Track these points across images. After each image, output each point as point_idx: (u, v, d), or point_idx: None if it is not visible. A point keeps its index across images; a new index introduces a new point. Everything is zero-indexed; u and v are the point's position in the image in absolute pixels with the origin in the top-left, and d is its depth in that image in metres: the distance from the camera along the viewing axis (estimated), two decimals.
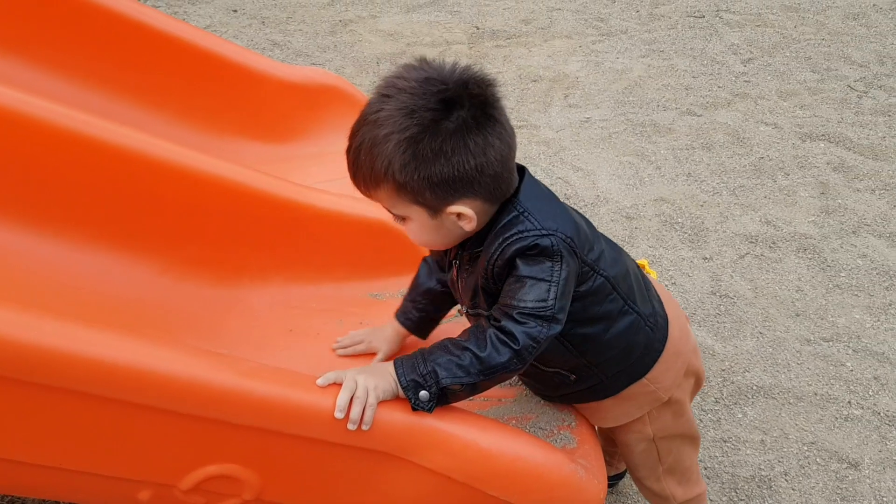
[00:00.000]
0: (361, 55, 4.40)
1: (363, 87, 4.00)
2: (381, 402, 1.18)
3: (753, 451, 2.07)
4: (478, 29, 4.74)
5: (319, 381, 1.18)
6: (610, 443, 1.78)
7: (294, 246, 1.78)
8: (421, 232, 1.23)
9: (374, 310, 1.83)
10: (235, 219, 1.72)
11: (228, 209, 1.70)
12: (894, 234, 2.85)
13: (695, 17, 4.82)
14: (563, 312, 1.18)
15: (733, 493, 1.96)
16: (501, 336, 1.16)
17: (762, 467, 2.03)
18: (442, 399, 1.19)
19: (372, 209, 1.85)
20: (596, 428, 1.54)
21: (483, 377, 1.17)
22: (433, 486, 1.26)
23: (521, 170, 1.26)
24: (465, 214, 1.17)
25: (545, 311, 1.15)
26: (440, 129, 1.10)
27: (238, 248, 1.75)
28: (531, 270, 1.16)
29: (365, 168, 1.15)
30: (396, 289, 1.90)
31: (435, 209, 1.17)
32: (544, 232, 1.16)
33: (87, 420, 1.09)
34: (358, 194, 1.98)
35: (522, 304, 1.15)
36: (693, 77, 4.10)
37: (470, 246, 1.27)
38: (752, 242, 2.84)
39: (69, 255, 1.64)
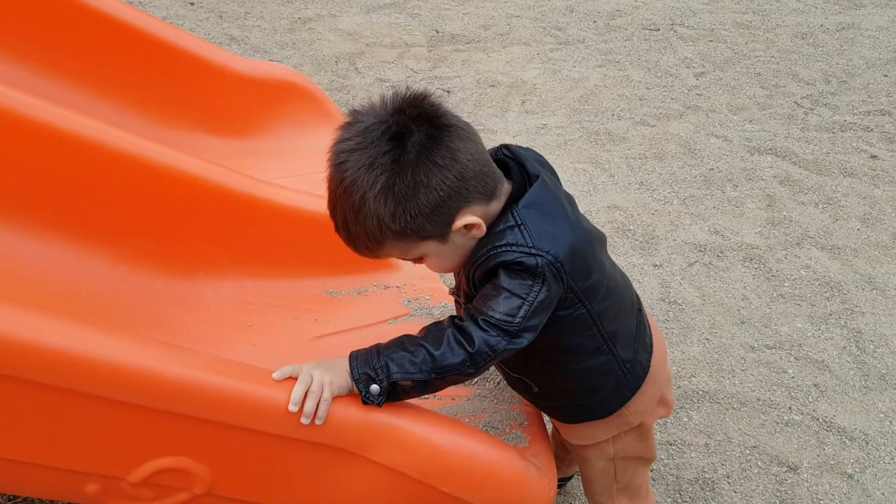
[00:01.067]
0: (320, 54, 4.38)
1: (321, 86, 3.98)
2: (335, 398, 1.18)
3: (698, 455, 2.12)
4: (437, 32, 4.76)
5: (275, 375, 1.18)
6: (562, 449, 1.79)
7: (250, 241, 1.77)
8: (441, 262, 1.22)
9: (329, 307, 1.83)
10: (191, 211, 1.70)
11: (184, 201, 1.68)
12: (836, 246, 2.95)
13: (650, 30, 4.91)
14: (529, 332, 1.16)
15: (677, 495, 2.01)
16: (459, 337, 1.16)
17: (706, 470, 2.08)
18: (392, 395, 1.19)
19: None
20: (549, 431, 1.56)
21: (434, 375, 1.16)
22: (387, 483, 1.26)
23: (529, 173, 1.23)
24: (472, 224, 1.15)
25: (510, 327, 1.14)
26: (405, 164, 1.08)
27: (193, 242, 1.73)
28: (510, 283, 1.14)
29: (361, 236, 1.15)
30: (353, 286, 1.90)
31: (442, 235, 1.16)
32: (533, 251, 1.14)
33: (31, 409, 1.07)
34: (317, 191, 1.99)
35: (490, 313, 1.14)
36: (647, 88, 4.18)
37: None
38: (700, 251, 2.91)
39: (19, 245, 1.59)
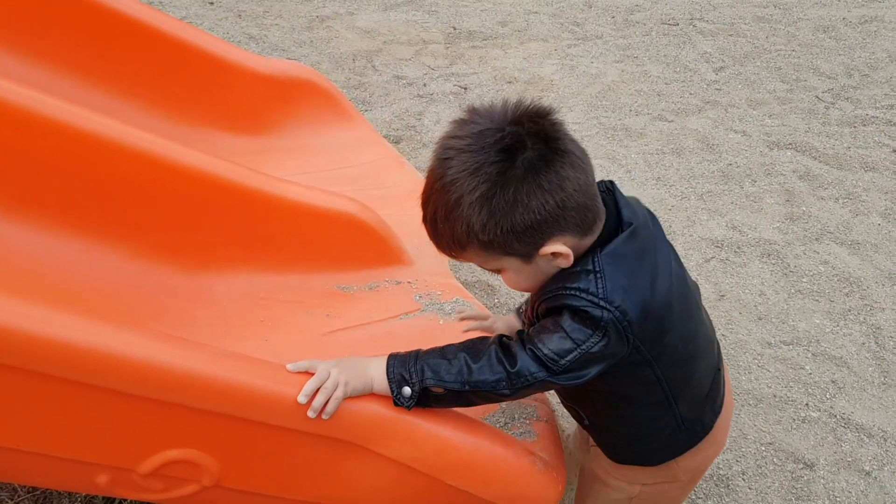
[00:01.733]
0: (338, 51, 4.40)
1: (338, 84, 4.00)
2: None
3: None
4: (454, 29, 4.76)
5: (290, 367, 1.18)
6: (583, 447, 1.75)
7: (262, 236, 1.78)
8: (518, 279, 1.19)
9: (341, 302, 1.84)
10: (203, 208, 1.71)
11: (196, 198, 1.70)
12: (856, 241, 2.91)
13: (669, 24, 4.87)
14: (574, 375, 1.13)
15: (692, 492, 1.99)
16: (501, 355, 1.15)
17: (720, 466, 2.06)
18: (423, 400, 1.18)
19: (342, 202, 1.86)
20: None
21: (468, 388, 1.15)
22: (394, 476, 1.27)
23: (619, 210, 1.18)
24: (560, 253, 1.11)
25: (553, 366, 1.12)
26: (509, 179, 1.05)
27: (205, 237, 1.74)
28: (570, 325, 1.11)
29: (446, 236, 1.13)
30: (364, 282, 1.91)
31: (528, 255, 1.13)
32: (602, 304, 1.09)
33: (43, 401, 1.08)
34: (330, 187, 2.00)
35: (540, 346, 1.12)
36: (665, 83, 4.15)
37: None
38: (717, 247, 2.88)
39: (34, 241, 1.62)
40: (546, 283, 1.17)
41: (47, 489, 1.87)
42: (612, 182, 1.23)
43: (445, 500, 1.34)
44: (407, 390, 1.17)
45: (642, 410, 1.26)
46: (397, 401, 1.18)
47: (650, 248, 1.19)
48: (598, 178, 1.20)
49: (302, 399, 1.14)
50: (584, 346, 1.11)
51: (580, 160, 1.10)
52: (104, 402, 1.10)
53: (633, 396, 1.25)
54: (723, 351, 2.41)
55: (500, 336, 1.20)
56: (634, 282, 1.13)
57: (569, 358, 1.11)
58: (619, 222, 1.17)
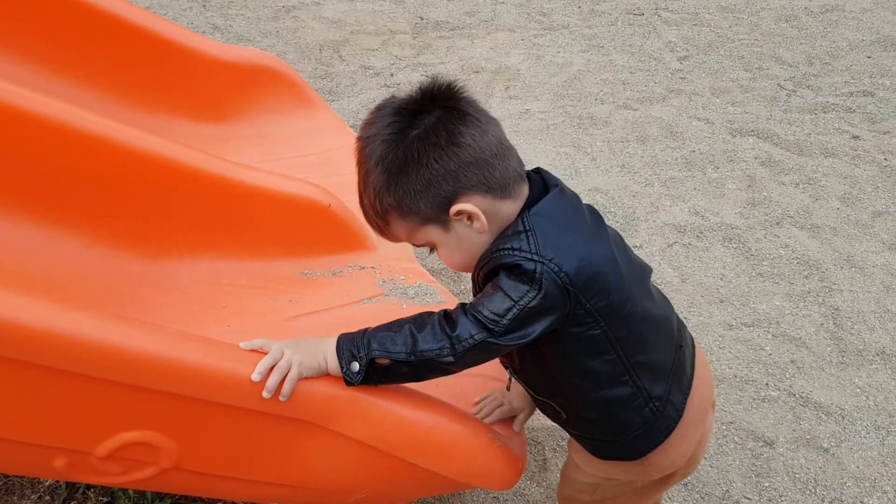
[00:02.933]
0: (304, 42, 4.38)
1: (305, 74, 3.98)
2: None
3: None
4: (422, 19, 4.76)
5: (243, 344, 1.19)
6: None
7: (223, 222, 1.78)
8: (448, 253, 1.21)
9: (305, 288, 1.84)
10: (164, 194, 1.71)
11: (157, 184, 1.69)
12: (815, 225, 2.97)
13: (634, 14, 4.91)
14: (518, 334, 1.13)
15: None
16: (443, 323, 1.15)
17: None
18: (371, 374, 1.18)
19: (303, 187, 1.86)
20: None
21: (413, 357, 1.15)
22: (354, 455, 1.27)
23: (546, 182, 1.22)
24: (467, 211, 1.13)
25: (495, 326, 1.11)
26: (404, 139, 1.11)
27: (166, 224, 1.74)
28: (506, 284, 1.12)
29: (368, 209, 1.18)
30: (328, 267, 1.91)
31: (441, 220, 1.15)
32: (535, 257, 1.11)
33: None
34: (292, 174, 1.99)
35: (480, 308, 1.12)
36: (630, 72, 4.19)
37: None
38: (680, 232, 2.92)
39: None
40: (483, 255, 1.19)
41: (9, 478, 1.86)
42: (539, 168, 1.26)
43: (407, 479, 1.35)
44: (355, 365, 1.17)
45: (607, 388, 1.24)
46: (346, 377, 1.18)
47: (579, 208, 1.22)
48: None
49: (256, 377, 1.14)
50: (521, 302, 1.10)
51: (480, 122, 1.13)
52: (59, 385, 1.10)
53: (593, 370, 1.22)
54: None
55: (444, 310, 1.19)
56: (567, 237, 1.14)
57: (509, 316, 1.11)
58: (546, 190, 1.20)
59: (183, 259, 1.77)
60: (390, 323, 1.20)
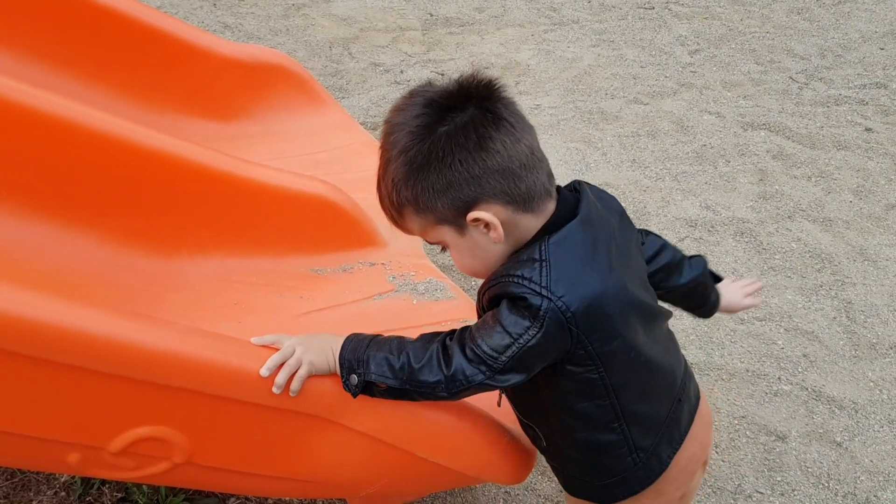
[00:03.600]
0: (314, 39, 4.39)
1: (315, 72, 4.00)
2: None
3: None
4: (431, 16, 4.76)
5: (255, 340, 1.19)
6: None
7: (233, 220, 1.78)
8: (460, 257, 1.16)
9: (315, 285, 1.84)
10: (173, 191, 1.71)
11: (166, 181, 1.70)
12: (828, 219, 2.95)
13: (645, 8, 4.89)
14: (514, 374, 1.09)
15: None
16: (441, 356, 1.12)
17: None
18: (367, 391, 1.17)
19: (313, 184, 1.86)
20: None
21: (410, 386, 1.13)
22: (364, 449, 1.28)
23: (579, 203, 1.14)
24: (484, 219, 1.07)
25: (493, 363, 1.08)
26: (431, 134, 1.05)
27: (176, 221, 1.75)
28: (507, 318, 1.07)
29: (385, 199, 1.13)
30: (338, 264, 1.92)
31: (457, 223, 1.10)
32: (543, 292, 1.04)
33: (12, 380, 1.09)
34: (302, 171, 2.00)
35: (479, 343, 1.08)
36: (641, 67, 4.17)
37: None
38: (691, 226, 2.91)
39: (5, 226, 1.62)
40: (494, 271, 1.14)
41: (25, 474, 1.88)
42: (580, 182, 1.20)
43: (417, 473, 1.35)
44: (354, 378, 1.15)
45: (594, 432, 1.20)
46: (345, 385, 1.17)
47: (605, 238, 1.14)
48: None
49: (264, 372, 1.14)
50: (521, 340, 1.06)
51: (514, 129, 1.07)
52: (73, 380, 1.11)
53: (583, 412, 1.18)
54: (696, 328, 2.44)
55: (449, 333, 1.15)
56: (584, 272, 1.08)
57: (507, 354, 1.07)
58: (576, 211, 1.13)
59: (193, 256, 1.78)
60: (392, 341, 1.17)
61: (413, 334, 1.20)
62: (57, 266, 1.63)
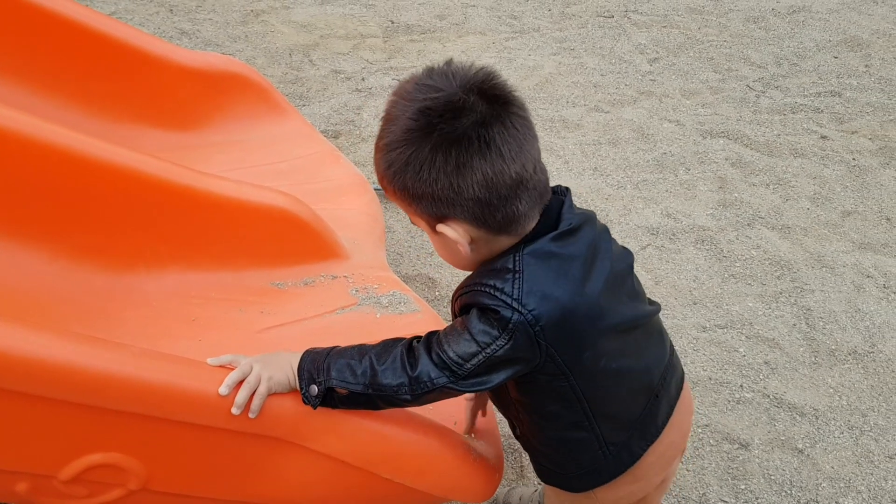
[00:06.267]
0: (273, 46, 4.34)
1: (275, 79, 3.95)
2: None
3: None
4: (392, 23, 4.73)
5: (211, 361, 1.16)
6: None
7: (191, 233, 1.74)
8: (436, 246, 1.17)
9: (276, 299, 1.81)
10: (129, 205, 1.67)
11: (121, 195, 1.65)
12: (786, 226, 2.99)
13: (604, 17, 4.93)
14: (479, 380, 1.09)
15: None
16: (405, 358, 1.11)
17: None
18: (329, 400, 1.16)
19: (272, 196, 1.83)
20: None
21: (372, 391, 1.12)
22: (327, 471, 1.25)
23: (560, 215, 1.13)
24: (449, 236, 1.08)
25: (458, 370, 1.07)
26: (419, 141, 1.02)
27: (132, 236, 1.70)
28: (476, 327, 1.07)
29: (378, 164, 1.09)
30: (299, 277, 1.88)
31: (429, 224, 1.10)
32: (514, 305, 1.04)
33: None
34: (262, 182, 1.96)
35: (445, 349, 1.08)
36: (601, 75, 4.20)
37: None
38: (653, 234, 2.93)
39: None
40: (468, 277, 1.14)
41: None
42: (567, 189, 1.18)
43: (382, 494, 1.33)
44: (314, 388, 1.14)
45: (563, 431, 1.21)
46: (305, 399, 1.15)
47: (582, 255, 1.12)
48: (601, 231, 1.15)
49: (224, 390, 1.11)
50: (488, 350, 1.06)
51: (504, 157, 1.02)
52: (18, 407, 1.06)
53: (552, 414, 1.19)
54: None
55: (413, 338, 1.15)
56: (557, 285, 1.07)
57: (473, 362, 1.06)
58: (558, 220, 1.12)
59: (150, 272, 1.73)
60: (357, 348, 1.17)
61: None
62: (4, 283, 1.57)
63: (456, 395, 1.13)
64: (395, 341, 1.16)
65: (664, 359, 1.30)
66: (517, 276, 1.06)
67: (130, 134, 2.21)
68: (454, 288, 1.18)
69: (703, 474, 2.04)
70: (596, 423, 1.19)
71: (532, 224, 1.11)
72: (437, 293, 2.59)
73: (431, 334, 1.13)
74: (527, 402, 1.20)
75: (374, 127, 3.46)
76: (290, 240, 1.86)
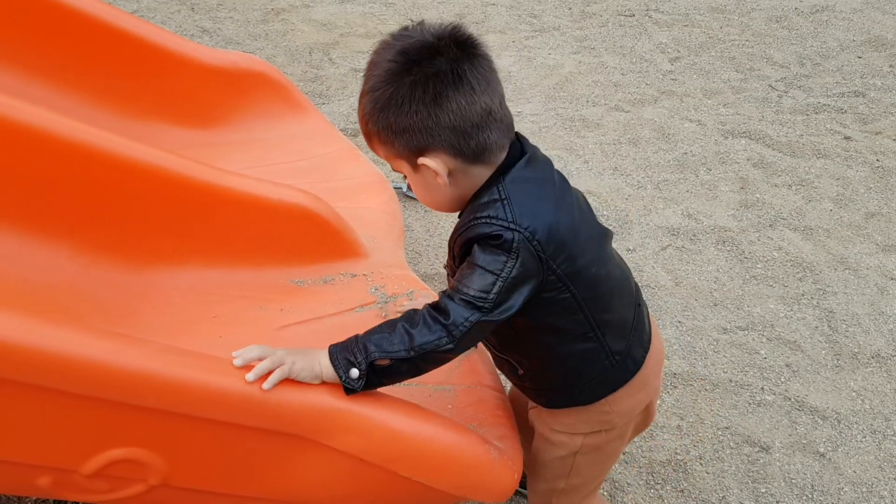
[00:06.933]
0: (293, 44, 4.35)
1: (295, 77, 3.96)
2: (294, 382, 1.17)
3: (670, 437, 2.12)
4: (412, 21, 4.73)
5: (237, 362, 1.16)
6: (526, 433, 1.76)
7: (211, 230, 1.75)
8: (417, 190, 1.26)
9: (295, 297, 1.81)
10: (150, 202, 1.67)
11: (142, 192, 1.66)
12: (809, 227, 2.96)
13: (625, 16, 4.90)
14: (505, 307, 1.17)
15: (650, 477, 2.01)
16: (434, 313, 1.17)
17: (678, 451, 2.08)
18: (372, 378, 1.18)
19: (293, 194, 1.83)
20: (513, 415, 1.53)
21: (413, 353, 1.16)
22: (346, 469, 1.25)
23: (523, 147, 1.25)
24: (430, 167, 1.17)
25: (484, 303, 1.15)
26: (398, 80, 1.13)
27: (152, 233, 1.71)
28: (484, 260, 1.15)
29: (360, 124, 1.22)
30: (319, 275, 1.88)
31: (410, 162, 1.19)
32: (512, 226, 1.15)
33: None
34: (282, 180, 1.96)
35: (465, 290, 1.15)
36: (622, 74, 4.17)
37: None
38: (673, 235, 2.91)
39: None
40: (459, 221, 1.23)
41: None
42: (518, 133, 1.29)
43: (400, 492, 1.32)
44: (354, 371, 1.17)
45: (572, 344, 1.30)
46: (346, 384, 1.17)
47: (549, 175, 1.26)
48: (556, 170, 1.27)
49: (250, 377, 1.13)
50: (503, 274, 1.14)
51: (475, 90, 1.14)
52: (43, 402, 1.07)
53: (560, 328, 1.28)
54: (679, 338, 2.43)
55: (429, 303, 1.21)
56: (540, 203, 1.20)
57: (494, 291, 1.15)
58: (521, 154, 1.24)
59: (170, 268, 1.74)
60: (380, 325, 1.21)
61: None
62: (27, 279, 1.58)
63: (491, 329, 1.20)
64: (415, 310, 1.22)
65: (632, 274, 1.43)
66: (506, 202, 1.17)
67: (152, 131, 2.22)
68: None
69: (723, 477, 2.02)
70: (600, 331, 1.30)
71: (503, 155, 1.22)
72: None
73: (445, 290, 1.21)
74: (536, 325, 1.28)
75: None
76: (309, 238, 1.86)
